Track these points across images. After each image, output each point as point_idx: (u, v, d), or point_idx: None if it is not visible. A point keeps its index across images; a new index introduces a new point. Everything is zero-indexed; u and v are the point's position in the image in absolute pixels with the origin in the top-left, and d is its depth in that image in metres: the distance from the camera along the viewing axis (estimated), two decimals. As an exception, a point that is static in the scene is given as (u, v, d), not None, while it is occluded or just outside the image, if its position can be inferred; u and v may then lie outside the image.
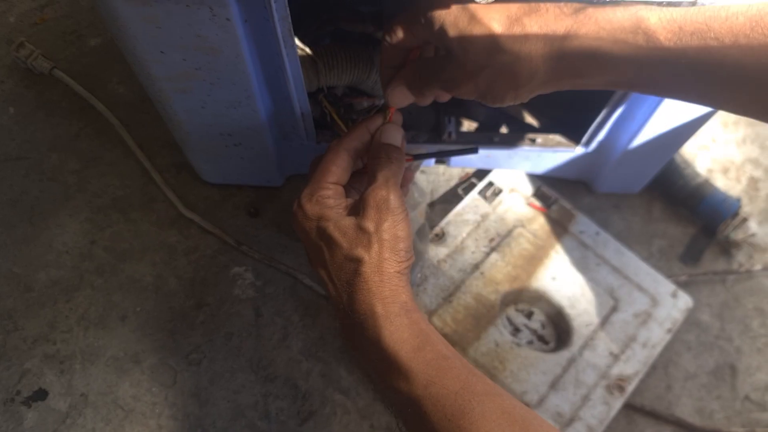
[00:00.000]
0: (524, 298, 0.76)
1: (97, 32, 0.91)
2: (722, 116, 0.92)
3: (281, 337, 0.74)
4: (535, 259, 0.76)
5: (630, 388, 0.70)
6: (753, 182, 0.88)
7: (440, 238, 0.77)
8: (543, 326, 0.75)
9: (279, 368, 0.72)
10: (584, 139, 0.72)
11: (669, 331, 0.73)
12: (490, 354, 0.71)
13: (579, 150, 0.73)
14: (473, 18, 0.43)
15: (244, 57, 0.51)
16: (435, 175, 0.85)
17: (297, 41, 0.54)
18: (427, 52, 0.53)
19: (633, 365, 0.71)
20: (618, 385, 0.70)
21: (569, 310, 0.73)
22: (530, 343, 0.74)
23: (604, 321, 0.73)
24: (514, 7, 0.43)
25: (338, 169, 0.51)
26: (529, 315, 0.76)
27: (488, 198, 0.79)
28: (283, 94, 0.59)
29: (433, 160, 0.82)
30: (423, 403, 0.41)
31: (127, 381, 0.70)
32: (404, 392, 0.42)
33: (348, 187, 0.53)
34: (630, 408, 0.72)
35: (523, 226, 0.78)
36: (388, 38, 0.49)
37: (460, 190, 0.82)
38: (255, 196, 0.81)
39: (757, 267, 0.82)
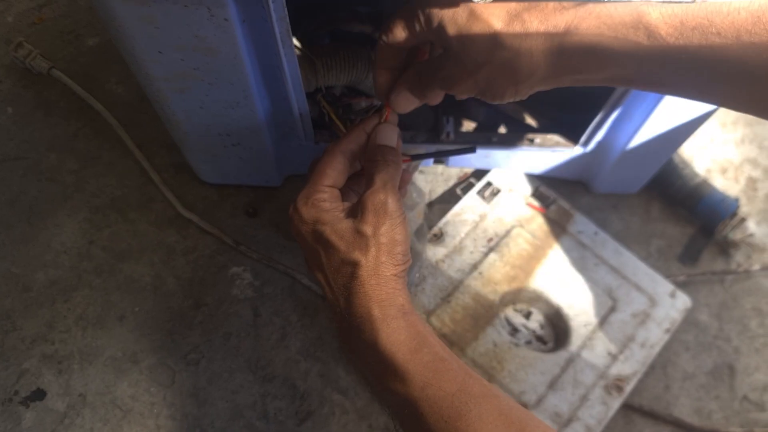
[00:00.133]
0: (523, 298, 0.76)
1: (95, 32, 0.91)
2: (720, 116, 0.92)
3: (279, 337, 0.74)
4: (533, 259, 0.76)
5: (628, 388, 0.70)
6: (751, 182, 0.88)
7: (439, 238, 0.77)
8: (541, 326, 0.75)
9: (277, 368, 0.72)
10: (583, 139, 0.71)
11: (667, 331, 0.73)
12: (489, 354, 0.71)
13: (577, 150, 0.73)
14: (472, 14, 0.42)
15: (242, 57, 0.51)
16: (433, 175, 0.85)
17: (295, 41, 0.54)
18: (434, 53, 0.52)
19: (631, 365, 0.71)
20: (616, 385, 0.70)
21: (567, 310, 0.74)
22: (528, 343, 0.74)
23: (603, 321, 0.73)
24: (513, 3, 0.42)
25: (334, 172, 0.50)
26: (528, 315, 0.76)
27: (486, 198, 0.79)
28: (282, 94, 0.59)
29: (431, 160, 0.82)
30: (420, 405, 0.41)
31: (125, 381, 0.70)
32: (401, 394, 0.42)
33: (346, 189, 0.53)
34: (628, 408, 0.72)
35: (521, 226, 0.78)
36: (384, 37, 0.48)
37: (458, 190, 0.82)
38: (253, 196, 0.81)
39: (756, 267, 0.82)
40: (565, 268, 0.76)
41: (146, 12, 0.45)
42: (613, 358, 0.71)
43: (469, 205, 0.79)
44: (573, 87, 0.45)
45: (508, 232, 0.77)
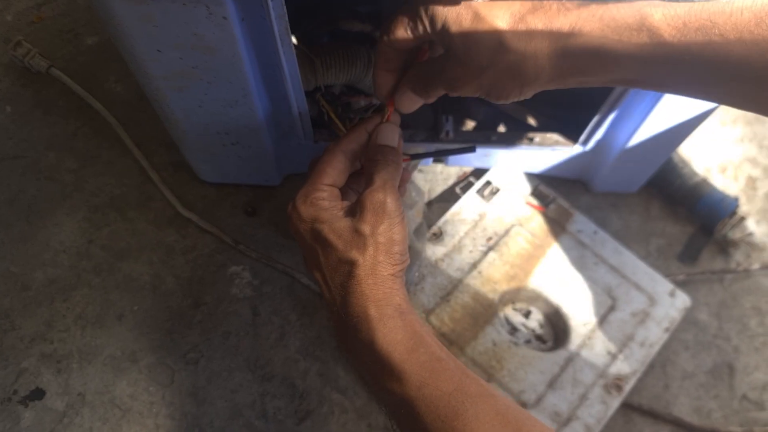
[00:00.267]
0: (522, 297, 0.76)
1: (94, 31, 0.91)
2: (720, 115, 0.92)
3: (278, 336, 0.74)
4: (532, 258, 0.76)
5: (628, 387, 0.70)
6: (751, 181, 0.88)
7: (438, 237, 0.77)
8: (541, 325, 0.75)
9: (276, 367, 0.72)
10: (582, 138, 0.71)
11: (667, 330, 0.73)
12: (488, 353, 0.70)
13: (577, 149, 0.73)
14: (477, 16, 0.42)
15: (241, 56, 0.51)
16: (433, 174, 0.85)
17: (294, 40, 0.54)
18: (435, 53, 0.52)
19: (631, 364, 0.71)
20: (616, 384, 0.70)
21: (567, 309, 0.73)
22: (528, 342, 0.74)
23: (602, 320, 0.73)
24: (517, 5, 0.42)
25: (334, 171, 0.50)
26: (527, 314, 0.76)
27: (486, 197, 0.79)
28: (281, 93, 0.59)
29: (430, 159, 0.82)
30: (416, 405, 0.41)
31: (124, 380, 0.70)
32: (398, 394, 0.42)
33: (346, 188, 0.53)
34: (628, 407, 0.72)
35: (520, 225, 0.78)
36: (385, 37, 0.48)
37: (457, 189, 0.82)
38: (252, 195, 0.81)
39: (755, 266, 0.82)
40: (564, 267, 0.76)
41: (145, 10, 0.45)
42: (613, 357, 0.71)
43: (468, 204, 0.79)
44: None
45: (507, 231, 0.77)
